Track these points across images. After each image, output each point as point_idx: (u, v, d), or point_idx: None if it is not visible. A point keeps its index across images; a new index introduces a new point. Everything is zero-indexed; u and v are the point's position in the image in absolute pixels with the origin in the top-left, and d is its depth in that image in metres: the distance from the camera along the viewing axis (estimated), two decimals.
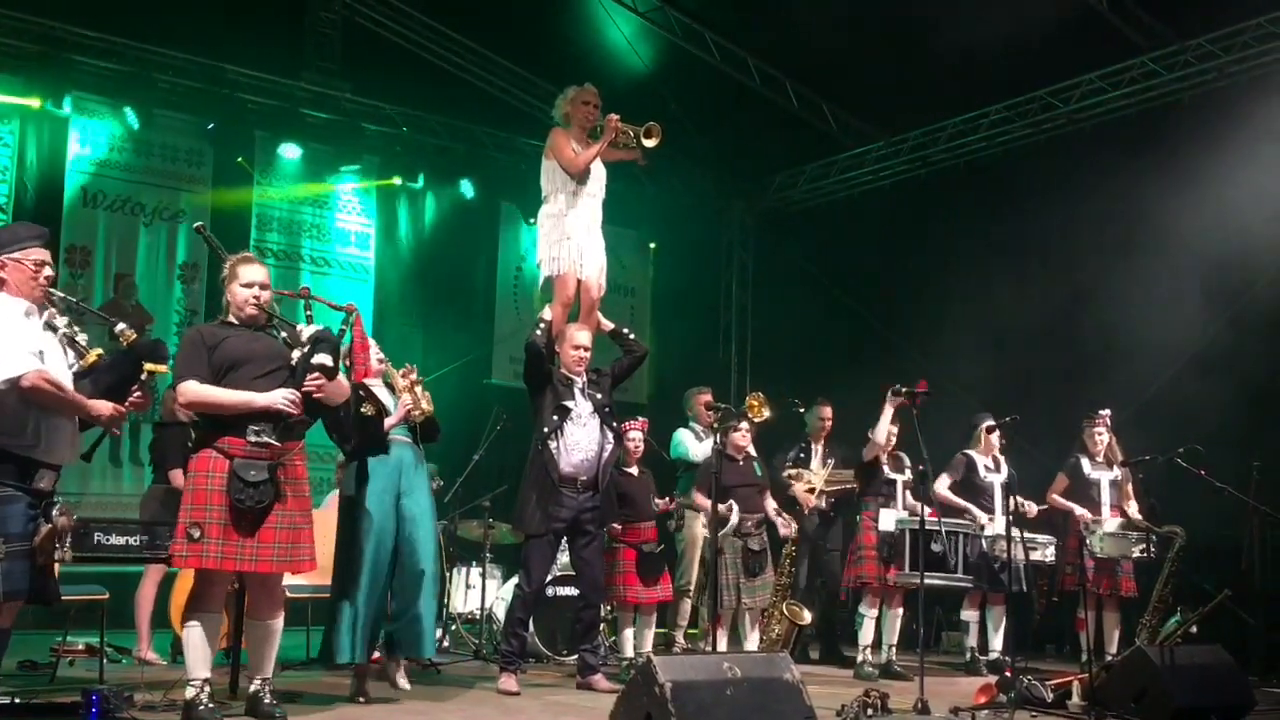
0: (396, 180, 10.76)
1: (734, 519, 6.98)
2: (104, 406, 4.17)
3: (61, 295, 4.35)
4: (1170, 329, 8.43)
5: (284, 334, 4.87)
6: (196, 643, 4.65)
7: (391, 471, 5.57)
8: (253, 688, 4.80)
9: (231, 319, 4.84)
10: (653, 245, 12.38)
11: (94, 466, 7.46)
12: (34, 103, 9.00)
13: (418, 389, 5.69)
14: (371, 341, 5.84)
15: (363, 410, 5.44)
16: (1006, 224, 9.82)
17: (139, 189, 9.55)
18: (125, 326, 4.33)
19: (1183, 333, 8.48)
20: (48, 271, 4.21)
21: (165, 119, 9.56)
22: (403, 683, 5.77)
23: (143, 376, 4.31)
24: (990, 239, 9.88)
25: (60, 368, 4.17)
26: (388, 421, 5.55)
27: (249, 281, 4.80)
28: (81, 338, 4.32)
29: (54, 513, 4.05)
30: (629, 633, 6.96)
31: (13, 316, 4.05)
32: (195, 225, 5.37)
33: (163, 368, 4.40)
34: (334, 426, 5.30)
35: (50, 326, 4.21)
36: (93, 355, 4.27)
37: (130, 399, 4.27)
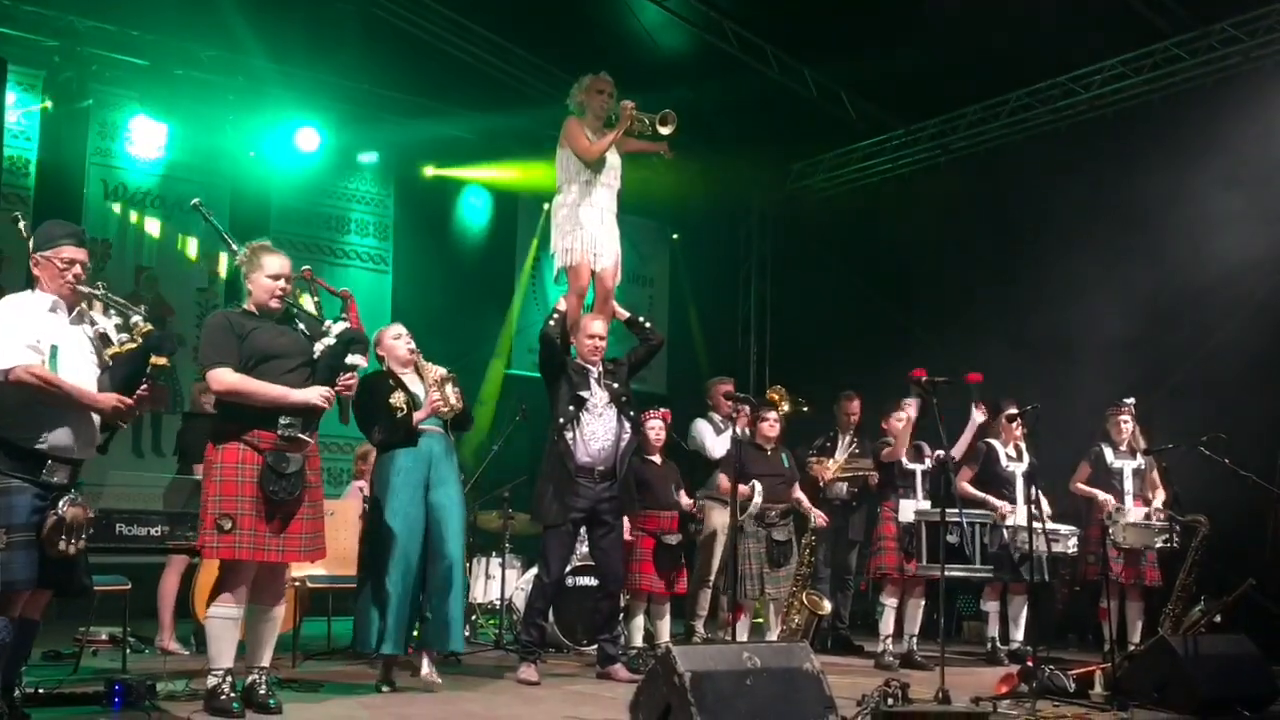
0: (429, 170, 10.78)
1: (757, 499, 6.94)
2: (107, 400, 4.13)
3: (91, 289, 4.32)
4: (1194, 317, 8.36)
5: (302, 325, 4.89)
6: (219, 633, 4.68)
7: (420, 463, 5.53)
8: (250, 679, 4.77)
9: (252, 308, 4.83)
10: (675, 236, 12.35)
11: (115, 457, 7.50)
12: (54, 96, 9.03)
13: (447, 386, 5.65)
14: (405, 333, 5.78)
15: (391, 401, 5.44)
16: (1027, 211, 9.76)
17: (159, 182, 9.60)
18: (140, 319, 4.27)
19: (1206, 320, 8.40)
20: (76, 269, 4.19)
21: (184, 112, 9.60)
22: (430, 675, 5.61)
23: (148, 370, 4.24)
24: (1011, 226, 9.82)
25: (79, 363, 4.16)
26: (417, 415, 5.52)
27: (275, 273, 4.79)
28: (123, 335, 4.25)
29: (61, 504, 4.01)
30: (639, 621, 6.94)
31: (29, 310, 4.08)
32: (192, 202, 5.35)
33: (163, 360, 4.29)
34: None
35: (87, 320, 4.23)
36: (120, 347, 4.24)
37: (138, 392, 4.20)
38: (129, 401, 4.18)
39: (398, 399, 5.46)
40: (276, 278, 4.79)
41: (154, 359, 4.24)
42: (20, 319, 4.06)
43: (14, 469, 3.98)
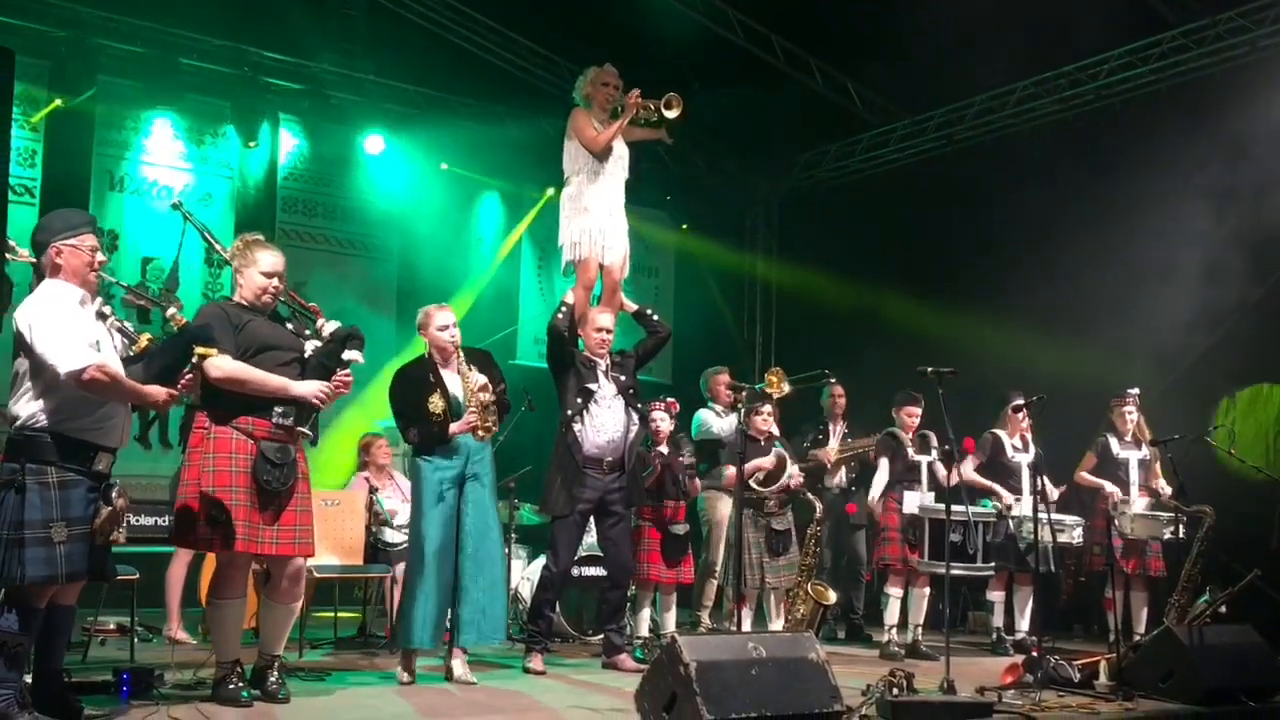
0: (433, 161, 10.78)
1: (792, 468, 7.00)
2: (159, 392, 4.21)
3: (124, 285, 4.40)
4: (1200, 306, 8.34)
5: (290, 325, 4.90)
6: (222, 625, 4.70)
7: (457, 458, 5.47)
8: (261, 665, 4.79)
9: (244, 301, 4.80)
10: (684, 226, 12.34)
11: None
12: (60, 87, 9.02)
13: (489, 411, 5.42)
14: (452, 323, 5.57)
15: (429, 405, 5.39)
16: (1033, 201, 9.73)
17: (164, 173, 9.60)
18: (177, 311, 4.44)
19: (1213, 310, 8.38)
20: (100, 257, 4.25)
21: (189, 102, 9.60)
22: (461, 672, 5.48)
23: (193, 360, 4.35)
24: (1017, 216, 9.79)
25: (113, 356, 4.21)
26: (453, 428, 5.40)
27: (270, 271, 4.77)
28: (130, 324, 4.39)
29: (113, 495, 4.12)
30: (647, 611, 6.96)
31: (70, 306, 4.09)
32: (172, 201, 5.39)
33: (213, 351, 4.42)
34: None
35: (100, 315, 4.26)
36: (144, 340, 4.35)
37: (181, 382, 4.31)
38: (176, 394, 4.28)
39: (436, 405, 5.40)
40: (270, 276, 4.76)
41: (201, 350, 4.34)
42: (75, 315, 4.08)
43: (68, 461, 4.05)
